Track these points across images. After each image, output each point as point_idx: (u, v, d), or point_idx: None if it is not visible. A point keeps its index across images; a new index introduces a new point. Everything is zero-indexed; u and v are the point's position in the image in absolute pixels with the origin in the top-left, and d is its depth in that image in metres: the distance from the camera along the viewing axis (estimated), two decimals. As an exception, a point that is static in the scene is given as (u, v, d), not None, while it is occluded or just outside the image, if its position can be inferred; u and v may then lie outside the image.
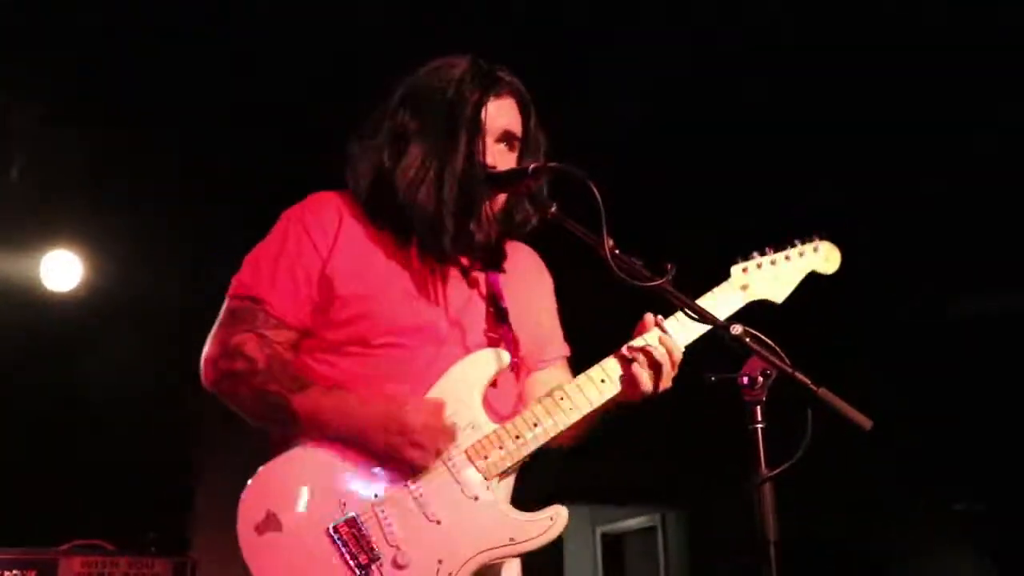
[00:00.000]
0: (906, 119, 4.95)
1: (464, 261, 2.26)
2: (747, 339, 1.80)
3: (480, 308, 2.24)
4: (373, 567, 1.97)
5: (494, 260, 2.29)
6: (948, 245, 5.65)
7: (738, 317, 2.06)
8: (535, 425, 2.09)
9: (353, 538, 1.98)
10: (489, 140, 2.20)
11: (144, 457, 5.68)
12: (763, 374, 1.77)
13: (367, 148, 2.22)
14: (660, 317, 2.13)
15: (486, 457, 2.07)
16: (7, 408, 5.51)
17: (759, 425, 1.77)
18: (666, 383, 2.12)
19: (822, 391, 1.73)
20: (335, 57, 4.82)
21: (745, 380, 1.78)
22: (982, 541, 6.52)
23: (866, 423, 1.72)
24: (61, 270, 6.01)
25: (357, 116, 2.33)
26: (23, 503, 5.07)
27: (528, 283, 2.38)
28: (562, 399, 2.12)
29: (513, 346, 2.23)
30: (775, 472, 1.74)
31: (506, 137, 2.24)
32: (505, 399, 2.21)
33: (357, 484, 2.04)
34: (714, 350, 1.91)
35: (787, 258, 2.27)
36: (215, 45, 4.92)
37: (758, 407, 1.77)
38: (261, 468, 2.07)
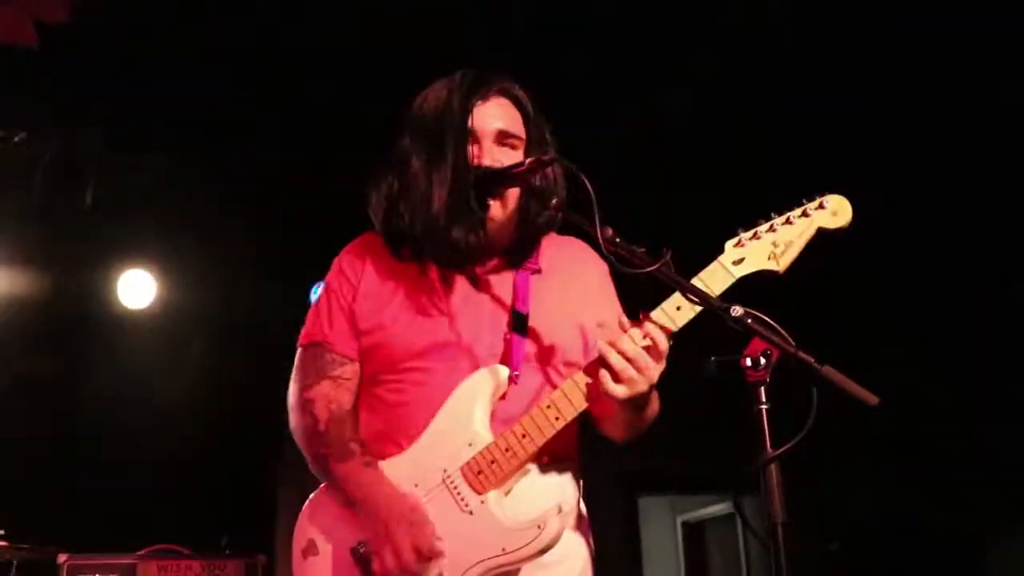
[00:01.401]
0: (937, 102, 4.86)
1: (485, 268, 2.32)
2: (748, 320, 1.79)
3: (496, 315, 2.28)
4: None
5: (521, 260, 2.32)
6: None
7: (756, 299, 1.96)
8: (523, 436, 2.13)
9: (369, 558, 2.16)
10: (487, 143, 2.23)
11: (223, 465, 5.85)
12: (765, 355, 1.76)
13: (379, 182, 2.33)
14: (625, 322, 2.05)
15: (479, 473, 2.15)
16: (89, 419, 5.73)
17: (763, 406, 1.76)
18: (645, 379, 2.02)
19: (826, 369, 1.72)
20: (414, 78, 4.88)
21: (748, 361, 1.77)
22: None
23: (872, 399, 1.69)
24: (136, 288, 6.24)
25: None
26: (104, 510, 5.26)
27: (568, 277, 2.36)
28: (548, 407, 2.13)
29: (530, 350, 2.26)
30: (779, 452, 1.73)
31: (504, 136, 2.25)
32: (522, 407, 2.21)
33: None
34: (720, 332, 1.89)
35: (788, 221, 2.04)
36: (284, 61, 5.03)
37: (762, 388, 1.77)
38: (311, 496, 2.37)
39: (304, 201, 5.58)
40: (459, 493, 2.16)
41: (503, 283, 2.31)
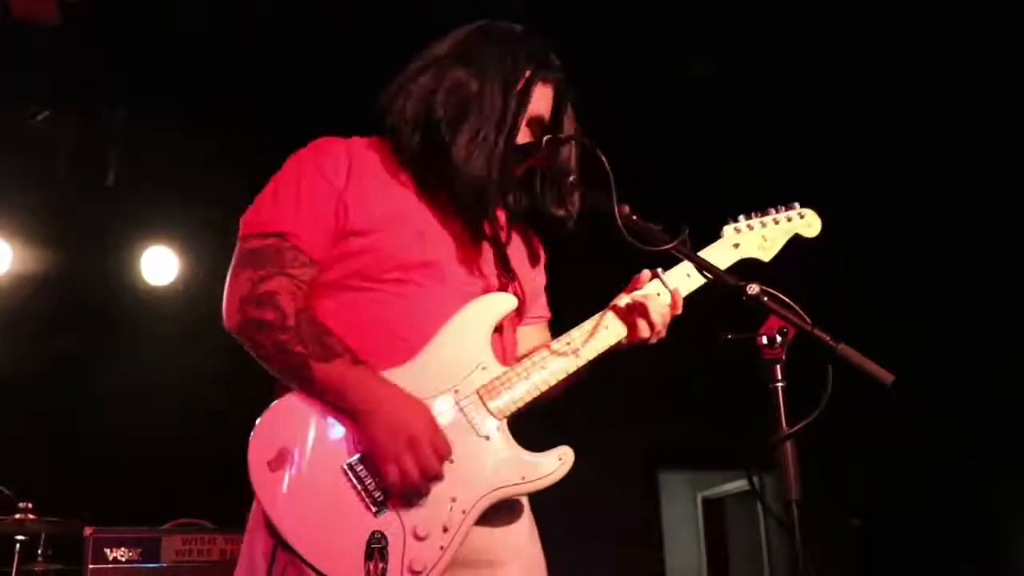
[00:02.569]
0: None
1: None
2: (764, 298, 1.80)
3: (488, 253, 2.24)
4: (388, 503, 1.96)
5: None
6: None
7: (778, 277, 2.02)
8: (543, 368, 2.12)
9: (368, 475, 1.97)
10: (522, 121, 2.21)
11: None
12: (781, 332, 1.76)
13: (417, 91, 2.19)
14: (660, 270, 2.21)
15: (498, 396, 2.08)
16: (113, 394, 5.79)
17: (779, 384, 1.77)
18: (662, 332, 2.20)
19: (842, 347, 1.72)
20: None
21: (764, 339, 1.77)
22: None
23: (888, 377, 1.70)
24: (159, 265, 6.29)
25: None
26: (129, 484, 5.32)
27: (523, 241, 2.39)
28: (568, 344, 2.15)
29: (519, 292, 2.26)
30: (794, 430, 1.73)
31: (534, 122, 2.23)
32: (504, 345, 2.22)
33: None
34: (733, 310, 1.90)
35: (775, 221, 2.37)
36: (304, 38, 5.03)
37: (777, 366, 1.77)
38: (273, 403, 2.03)
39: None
40: (473, 416, 2.06)
41: (491, 229, 2.27)
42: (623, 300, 2.20)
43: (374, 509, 1.95)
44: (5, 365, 5.76)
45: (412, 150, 2.18)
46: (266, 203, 2.16)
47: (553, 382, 2.12)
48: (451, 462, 2.00)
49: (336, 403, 2.00)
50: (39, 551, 4.57)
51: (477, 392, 2.07)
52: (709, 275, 1.97)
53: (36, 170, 5.86)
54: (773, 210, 2.38)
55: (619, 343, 2.20)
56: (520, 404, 2.09)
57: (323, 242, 2.13)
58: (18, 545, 4.52)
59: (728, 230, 2.32)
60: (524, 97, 2.16)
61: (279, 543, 1.92)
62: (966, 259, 5.94)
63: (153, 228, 6.32)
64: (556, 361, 2.13)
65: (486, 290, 2.19)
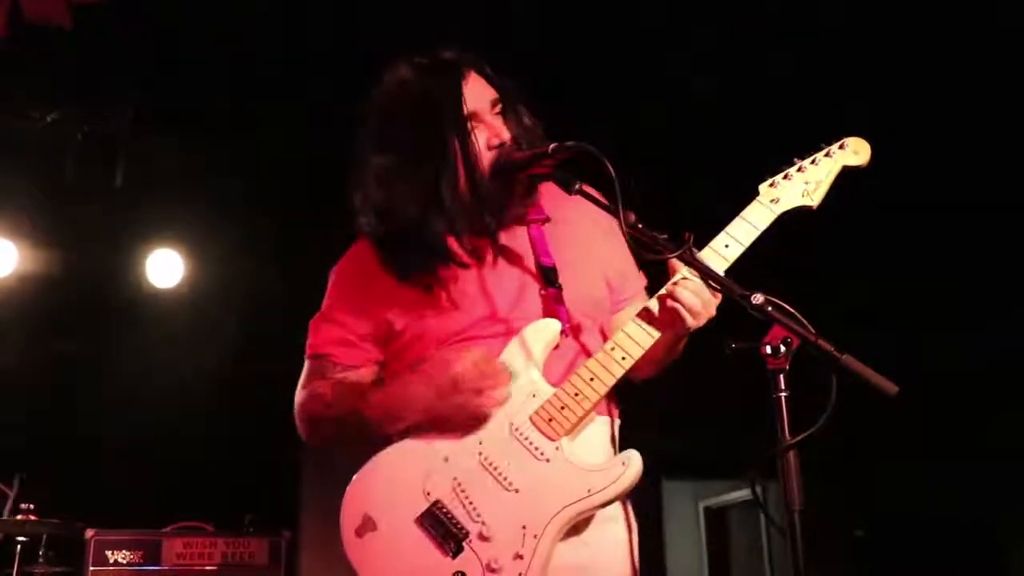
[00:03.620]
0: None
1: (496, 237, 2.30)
2: (769, 307, 1.79)
3: (524, 275, 2.27)
4: (464, 545, 2.05)
5: (524, 213, 2.32)
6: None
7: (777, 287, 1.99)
8: (591, 379, 2.13)
9: (441, 523, 2.08)
10: (488, 119, 2.24)
11: (248, 441, 5.90)
12: (785, 342, 1.76)
13: (365, 202, 2.32)
14: (691, 245, 2.10)
15: (550, 420, 2.11)
16: (116, 397, 5.79)
17: (783, 394, 1.76)
18: (710, 311, 2.12)
19: (846, 358, 1.71)
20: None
21: (768, 349, 1.77)
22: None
23: (892, 389, 1.69)
24: (165, 268, 6.30)
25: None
26: (132, 487, 5.33)
27: (582, 226, 2.36)
28: (613, 350, 2.14)
29: (567, 305, 2.26)
30: (797, 440, 1.72)
31: (494, 105, 2.26)
32: (564, 359, 2.24)
33: (436, 470, 2.12)
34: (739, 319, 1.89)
35: (814, 162, 2.21)
36: (315, 42, 5.03)
37: (781, 376, 1.76)
38: (356, 474, 2.20)
39: (333, 181, 5.59)
40: (531, 442, 2.11)
41: (518, 240, 2.32)
42: (660, 293, 2.16)
43: (452, 552, 2.06)
44: (9, 365, 5.77)
45: (400, 258, 2.28)
46: (312, 329, 2.37)
47: (603, 391, 2.14)
48: (517, 492, 2.08)
49: (398, 424, 2.16)
50: (40, 553, 4.57)
51: (530, 419, 2.13)
52: (715, 286, 1.95)
53: (43, 172, 5.86)
54: (808, 153, 2.22)
55: (665, 336, 2.17)
56: (574, 420, 2.12)
57: (362, 351, 2.30)
58: (19, 547, 4.52)
59: (763, 187, 2.19)
60: (457, 115, 2.20)
61: None
62: (967, 265, 5.92)
63: (159, 230, 6.32)
64: (600, 370, 2.14)
65: (536, 317, 2.23)
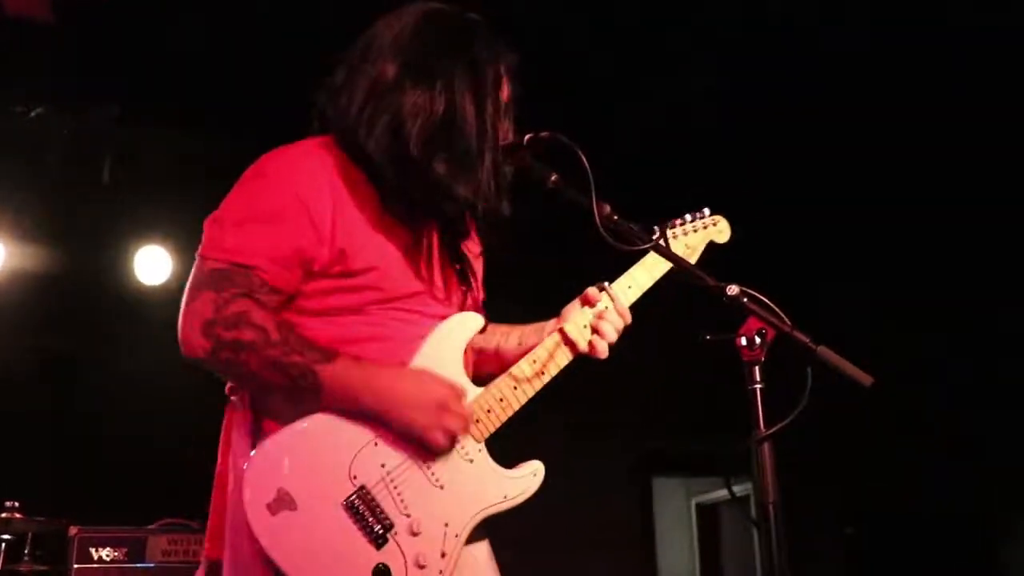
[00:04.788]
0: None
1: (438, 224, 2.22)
2: (744, 299, 1.78)
3: (454, 269, 2.25)
4: (389, 537, 1.98)
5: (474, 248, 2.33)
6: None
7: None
8: (515, 388, 2.17)
9: (367, 511, 1.98)
10: (501, 126, 2.18)
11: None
12: (760, 334, 1.74)
13: (380, 120, 2.08)
14: (607, 284, 2.28)
15: (477, 421, 2.11)
16: (104, 394, 5.76)
17: (758, 386, 1.75)
18: (614, 340, 2.26)
19: (821, 349, 1.70)
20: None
21: (743, 340, 1.76)
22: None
23: (867, 380, 1.67)
24: (153, 264, 6.27)
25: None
26: (119, 484, 5.29)
27: (473, 241, 2.35)
28: (534, 363, 2.21)
29: (476, 300, 2.30)
30: (771, 431, 1.71)
31: (508, 109, 2.22)
32: (471, 361, 2.27)
33: (365, 455, 2.01)
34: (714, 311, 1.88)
35: (695, 229, 2.47)
36: (301, 39, 5.01)
37: (756, 367, 1.75)
38: (261, 443, 1.98)
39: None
40: (459, 441, 2.08)
41: (453, 240, 2.25)
42: (580, 316, 2.28)
43: (377, 543, 1.98)
44: (-6, 362, 5.74)
45: (392, 186, 2.08)
46: (234, 225, 2.02)
47: (524, 401, 2.18)
48: (441, 488, 2.04)
49: (349, 404, 1.99)
50: (25, 551, 4.55)
51: None
52: (691, 277, 1.93)
53: (29, 168, 5.83)
54: (689, 216, 2.47)
55: (576, 357, 2.27)
56: (497, 425, 2.15)
57: (295, 279, 2.05)
58: (3, 545, 4.50)
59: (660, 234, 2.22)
60: (497, 101, 2.13)
61: None
62: (960, 267, 5.92)
63: (147, 227, 6.29)
64: (523, 381, 2.20)
65: (459, 309, 2.22)
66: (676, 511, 9.10)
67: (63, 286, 6.02)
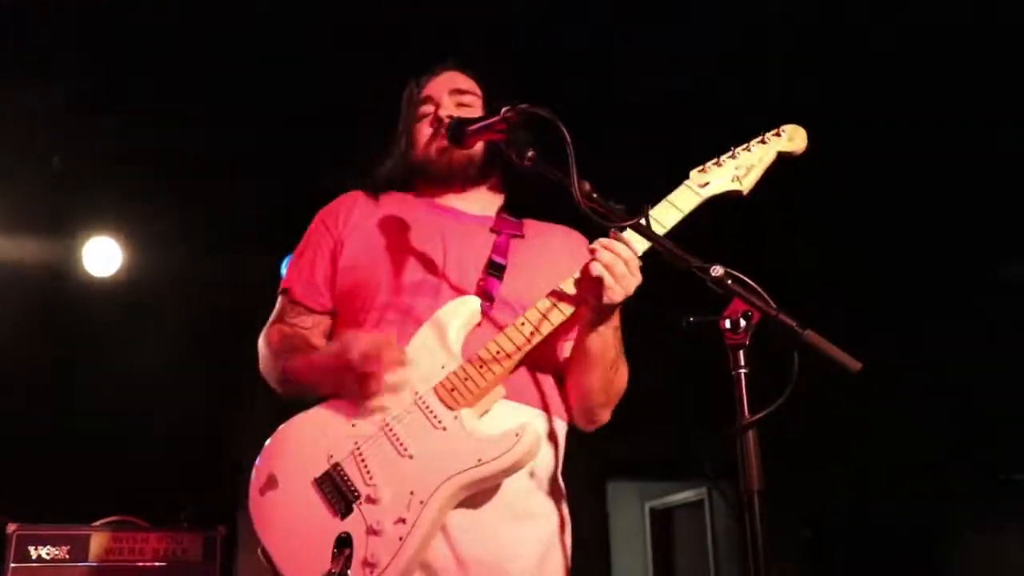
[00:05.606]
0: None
1: (467, 219, 2.44)
2: (728, 280, 1.72)
3: (476, 261, 2.34)
4: (354, 506, 2.07)
5: (511, 226, 2.44)
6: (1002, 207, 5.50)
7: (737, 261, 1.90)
8: (498, 352, 2.14)
9: (336, 484, 2.10)
10: (443, 101, 2.48)
11: (189, 434, 5.75)
12: (745, 316, 1.68)
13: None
14: (613, 231, 2.10)
15: (453, 390, 2.13)
16: (49, 389, 5.61)
17: (742, 370, 1.68)
18: (628, 288, 2.08)
19: (808, 333, 1.64)
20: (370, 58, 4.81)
21: (727, 323, 1.69)
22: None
23: (855, 366, 1.62)
24: (102, 256, 6.11)
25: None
26: (66, 482, 5.15)
27: (546, 246, 2.44)
28: (523, 324, 2.16)
29: (500, 293, 2.30)
30: (756, 418, 1.65)
31: (458, 93, 2.49)
32: (485, 339, 2.22)
33: (341, 434, 2.16)
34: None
35: (747, 148, 2.23)
36: (258, 28, 4.93)
37: (741, 351, 1.68)
38: (270, 438, 2.23)
39: (276, 167, 5.49)
40: (431, 411, 2.13)
41: (486, 239, 2.39)
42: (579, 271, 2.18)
43: (342, 513, 2.07)
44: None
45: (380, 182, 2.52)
46: (288, 266, 2.52)
47: (508, 365, 2.15)
48: (411, 458, 2.08)
49: (316, 389, 2.26)
50: (-37, 549, 4.38)
51: (434, 389, 2.15)
52: (672, 258, 1.86)
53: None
54: (745, 141, 2.23)
55: (585, 308, 2.16)
56: (476, 392, 2.13)
57: (317, 292, 2.42)
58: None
59: (694, 172, 2.20)
60: (415, 97, 2.51)
61: (265, 558, 2.11)
62: (916, 270, 5.96)
63: (96, 218, 6.14)
64: (508, 343, 2.15)
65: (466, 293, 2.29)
66: (630, 515, 9.10)
67: (8, 278, 5.84)
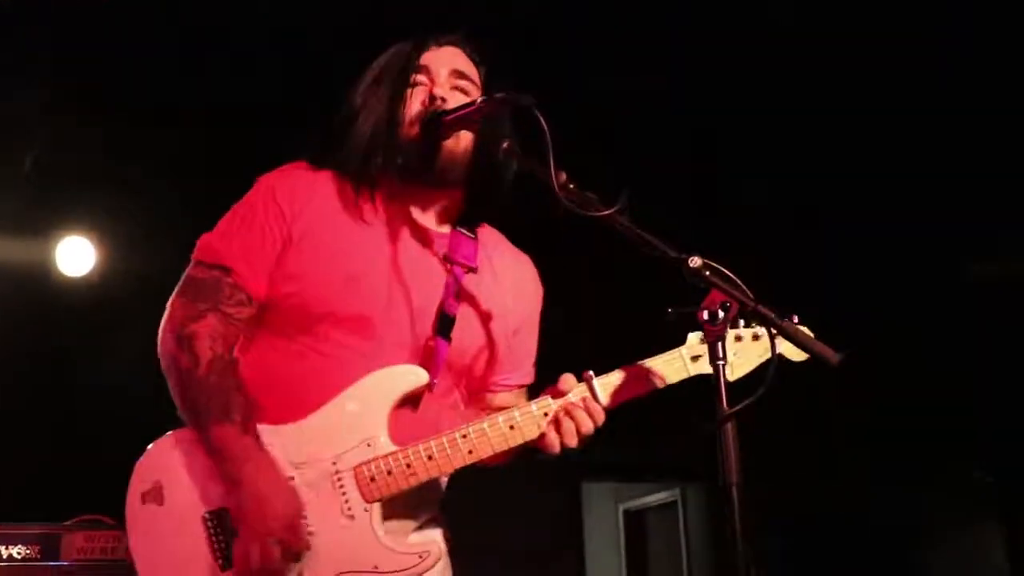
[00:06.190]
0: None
1: (437, 235, 2.22)
2: (706, 272, 1.72)
3: (424, 310, 2.14)
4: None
5: (465, 249, 2.22)
6: (972, 206, 5.53)
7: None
8: (429, 459, 2.01)
9: (226, 529, 1.96)
10: (440, 79, 2.19)
11: (162, 434, 5.69)
12: (724, 307, 1.69)
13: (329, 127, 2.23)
14: (591, 374, 2.08)
15: (372, 479, 1.99)
16: (19, 388, 5.55)
17: (720, 362, 1.69)
18: (579, 446, 2.07)
19: (786, 324, 1.65)
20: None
21: (705, 315, 1.70)
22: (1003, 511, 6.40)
23: (833, 357, 1.63)
24: (75, 256, 6.05)
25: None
26: (37, 481, 5.11)
27: (508, 297, 2.28)
28: (464, 438, 2.02)
29: (450, 360, 2.15)
30: (735, 410, 1.65)
31: (458, 76, 2.21)
32: (428, 419, 2.11)
33: None
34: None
35: (755, 337, 2.07)
36: (228, 26, 4.91)
37: (720, 343, 1.69)
38: (163, 436, 2.07)
39: (252, 167, 5.46)
40: (344, 494, 1.98)
41: (439, 274, 2.19)
42: (543, 404, 2.08)
43: (221, 562, 1.95)
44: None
45: (340, 166, 2.20)
46: (221, 231, 2.16)
47: (435, 475, 2.03)
48: (309, 534, 1.95)
49: (218, 465, 1.99)
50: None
51: (354, 469, 2.00)
52: (644, 246, 1.84)
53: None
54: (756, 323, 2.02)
55: (525, 444, 2.08)
56: (394, 491, 2.00)
57: (265, 286, 2.12)
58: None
59: (693, 338, 2.07)
60: (404, 71, 2.17)
61: (129, 560, 2.00)
62: (897, 269, 5.98)
63: (69, 217, 6.08)
64: (442, 455, 2.01)
65: (411, 354, 2.09)
66: (604, 516, 9.11)
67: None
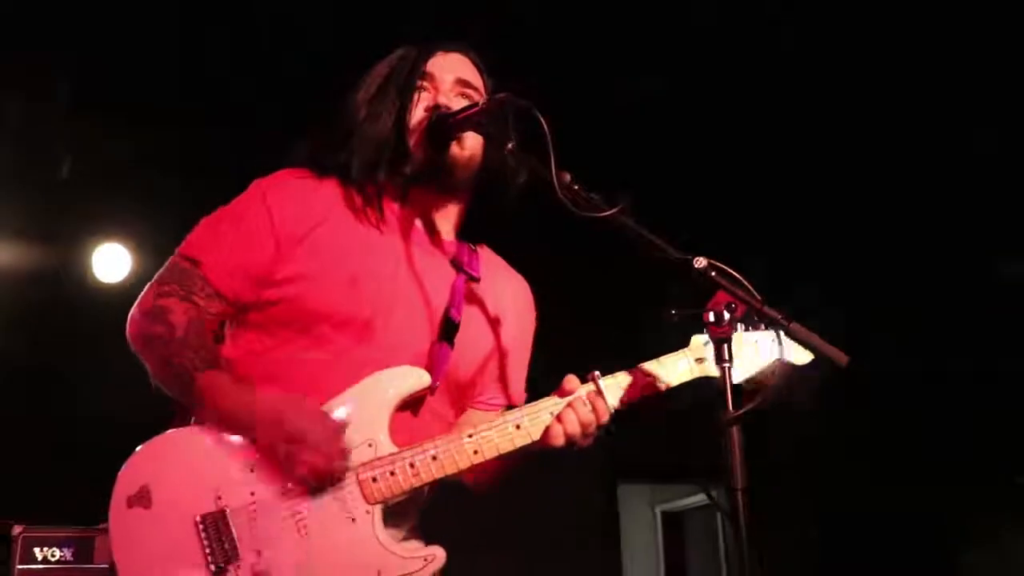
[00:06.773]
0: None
1: (442, 243, 2.21)
2: (712, 272, 1.69)
3: (429, 314, 2.13)
4: (230, 568, 1.89)
5: (468, 258, 2.23)
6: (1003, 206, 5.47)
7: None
8: (434, 459, 1.98)
9: (217, 533, 1.90)
10: (445, 87, 2.20)
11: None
12: (729, 308, 1.66)
13: (323, 128, 2.26)
14: (597, 374, 2.06)
15: (375, 480, 1.95)
16: (58, 393, 5.62)
17: (727, 364, 1.66)
18: (585, 442, 2.05)
19: (794, 326, 1.62)
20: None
21: (711, 316, 1.67)
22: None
23: (842, 358, 1.60)
24: (111, 263, 6.12)
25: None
26: (72, 486, 5.15)
27: (508, 315, 2.28)
28: (469, 438, 2.00)
29: (449, 369, 2.13)
30: (741, 412, 1.62)
31: (463, 85, 2.21)
32: (425, 425, 2.09)
33: (236, 478, 1.94)
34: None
35: (757, 342, 2.05)
36: (266, 30, 4.94)
37: (725, 345, 1.66)
38: (152, 440, 2.00)
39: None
40: (344, 495, 1.94)
41: (444, 278, 2.19)
42: (550, 404, 2.06)
43: (215, 569, 1.89)
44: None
45: (339, 170, 2.19)
46: (203, 226, 2.15)
47: (439, 476, 1.99)
48: (305, 535, 1.91)
49: (214, 417, 1.96)
50: (-32, 552, 4.38)
51: (356, 470, 1.96)
52: (648, 246, 1.81)
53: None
54: (763, 325, 1.97)
55: (531, 444, 2.05)
56: (398, 492, 1.97)
57: (236, 282, 2.08)
58: (-55, 545, 4.33)
59: (697, 340, 2.06)
60: (415, 68, 2.17)
61: (112, 572, 1.92)
62: (920, 267, 5.92)
63: (105, 224, 6.15)
64: (447, 455, 1.99)
65: (413, 359, 2.07)
66: (641, 518, 9.05)
67: (18, 284, 5.87)
